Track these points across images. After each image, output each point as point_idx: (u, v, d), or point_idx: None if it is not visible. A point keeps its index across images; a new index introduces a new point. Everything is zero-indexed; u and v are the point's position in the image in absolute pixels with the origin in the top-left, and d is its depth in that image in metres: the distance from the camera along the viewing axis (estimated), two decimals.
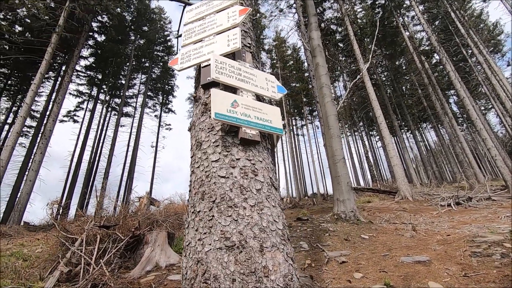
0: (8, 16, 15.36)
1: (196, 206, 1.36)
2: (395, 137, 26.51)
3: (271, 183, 1.43)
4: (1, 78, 17.62)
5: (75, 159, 19.77)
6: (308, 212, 9.71)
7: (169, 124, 27.59)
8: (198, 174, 1.45)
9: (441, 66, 21.61)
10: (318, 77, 9.29)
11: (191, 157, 1.58)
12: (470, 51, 19.26)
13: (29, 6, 13.12)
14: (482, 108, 24.67)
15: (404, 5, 21.22)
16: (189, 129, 1.70)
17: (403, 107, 24.26)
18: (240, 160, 1.41)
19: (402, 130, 28.34)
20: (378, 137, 28.65)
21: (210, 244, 1.20)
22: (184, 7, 2.69)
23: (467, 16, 20.30)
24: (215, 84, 1.61)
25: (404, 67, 25.52)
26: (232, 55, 1.75)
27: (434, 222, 6.28)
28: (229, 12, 1.86)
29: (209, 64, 1.61)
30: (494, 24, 21.75)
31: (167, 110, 27.54)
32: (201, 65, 1.73)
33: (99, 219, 6.27)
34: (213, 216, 1.26)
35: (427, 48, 22.79)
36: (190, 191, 1.49)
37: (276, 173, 1.57)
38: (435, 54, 21.20)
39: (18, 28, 16.08)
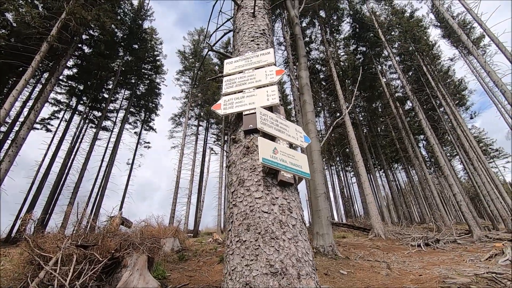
0: None
1: (241, 236, 1.59)
2: (369, 175, 27.69)
3: (302, 220, 1.70)
4: None
5: (42, 170, 18.66)
6: None
7: (148, 142, 27.18)
8: (241, 207, 1.70)
9: (413, 113, 23.42)
10: (305, 113, 9.83)
11: (232, 192, 1.83)
12: (438, 102, 21.17)
13: (24, 13, 13.09)
14: (448, 154, 26.66)
15: (383, 55, 23.25)
16: (228, 167, 1.96)
17: (378, 146, 25.68)
18: (278, 198, 1.68)
19: (376, 169, 29.71)
20: (353, 173, 29.77)
21: (257, 270, 1.43)
22: (208, 51, 3.01)
23: (437, 71, 22.54)
24: (254, 130, 1.91)
25: (380, 110, 27.31)
26: (269, 108, 2.07)
27: (405, 261, 6.67)
28: (267, 71, 2.21)
29: (252, 113, 1.92)
30: (459, 80, 24.28)
31: (148, 127, 27.29)
32: (243, 113, 2.03)
33: (77, 237, 6.04)
34: (259, 245, 1.50)
35: (401, 95, 24.72)
36: (232, 222, 1.71)
37: (303, 211, 1.85)
38: (408, 101, 23.05)
39: (2, 30, 15.70)
